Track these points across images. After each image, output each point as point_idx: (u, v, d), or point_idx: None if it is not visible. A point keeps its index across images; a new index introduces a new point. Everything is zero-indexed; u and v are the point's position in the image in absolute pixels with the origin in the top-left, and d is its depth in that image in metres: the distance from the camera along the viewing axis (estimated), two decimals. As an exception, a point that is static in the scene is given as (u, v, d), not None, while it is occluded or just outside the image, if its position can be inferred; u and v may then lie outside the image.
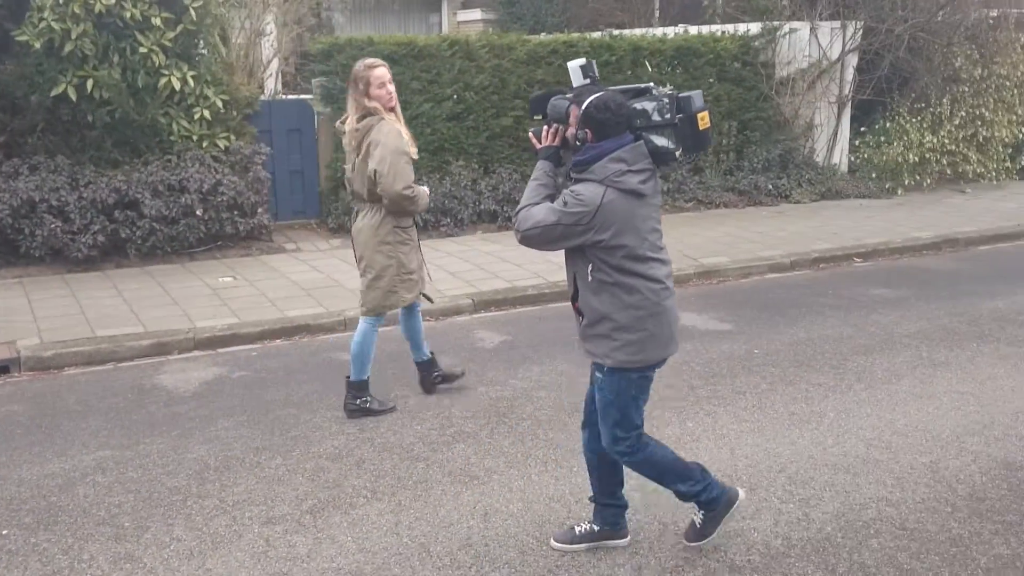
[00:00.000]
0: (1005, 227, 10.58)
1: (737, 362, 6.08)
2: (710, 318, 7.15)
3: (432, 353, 5.54)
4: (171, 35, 8.31)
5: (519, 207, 3.50)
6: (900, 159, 12.46)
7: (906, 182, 12.59)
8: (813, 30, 12.31)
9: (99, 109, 8.27)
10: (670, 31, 12.79)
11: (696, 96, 3.41)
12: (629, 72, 11.17)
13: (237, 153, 8.96)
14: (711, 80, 11.76)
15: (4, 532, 3.93)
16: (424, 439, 4.87)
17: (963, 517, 4.01)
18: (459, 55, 10.42)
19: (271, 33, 10.94)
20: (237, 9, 10.23)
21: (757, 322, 7.05)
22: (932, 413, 5.19)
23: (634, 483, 3.85)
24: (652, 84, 3.56)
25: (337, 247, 9.30)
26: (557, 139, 3.52)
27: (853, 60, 12.53)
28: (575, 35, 11.52)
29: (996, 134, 13.28)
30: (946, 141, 12.83)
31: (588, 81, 3.51)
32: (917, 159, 12.54)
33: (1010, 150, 13.75)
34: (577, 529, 3.78)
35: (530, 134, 3.63)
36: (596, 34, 12.30)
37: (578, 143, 3.38)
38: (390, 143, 4.88)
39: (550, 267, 8.27)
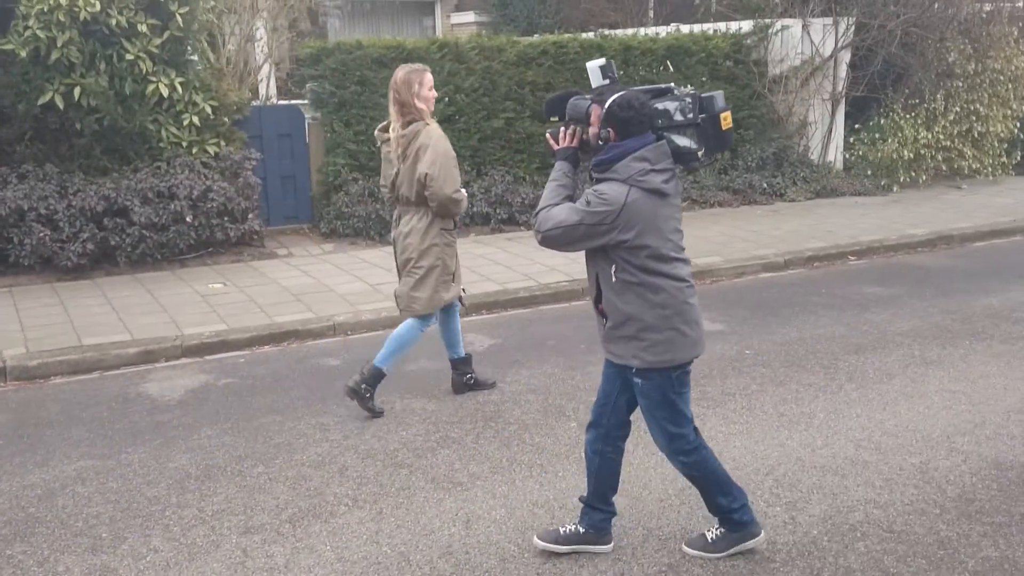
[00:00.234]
0: (1000, 223, 10.52)
1: (728, 363, 6.03)
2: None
3: (469, 354, 5.59)
4: (158, 41, 8.26)
5: (538, 208, 3.46)
6: (895, 156, 12.38)
7: (901, 179, 12.53)
8: (805, 27, 12.25)
9: (87, 117, 8.23)
10: (662, 30, 12.74)
11: (718, 96, 3.43)
12: (621, 72, 11.12)
13: (227, 159, 8.91)
14: (703, 79, 11.68)
15: (-19, 545, 3.89)
16: (408, 445, 4.83)
17: (952, 519, 3.95)
18: (448, 57, 10.37)
19: (262, 39, 10.90)
20: (227, 15, 10.20)
21: (749, 322, 7.00)
22: (923, 413, 5.14)
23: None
24: (673, 84, 3.58)
25: (329, 252, 9.26)
26: (576, 140, 3.49)
27: (846, 56, 12.47)
28: (565, 36, 11.45)
29: (991, 129, 13.20)
30: (941, 137, 12.76)
31: (608, 81, 3.52)
32: (912, 155, 12.46)
33: (1005, 145, 13.67)
34: (562, 530, 3.73)
35: (547, 135, 3.60)
36: (586, 35, 12.25)
37: (600, 142, 3.36)
38: (440, 147, 4.96)
39: (541, 270, 8.23)
